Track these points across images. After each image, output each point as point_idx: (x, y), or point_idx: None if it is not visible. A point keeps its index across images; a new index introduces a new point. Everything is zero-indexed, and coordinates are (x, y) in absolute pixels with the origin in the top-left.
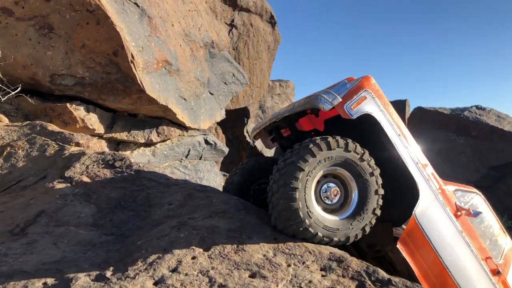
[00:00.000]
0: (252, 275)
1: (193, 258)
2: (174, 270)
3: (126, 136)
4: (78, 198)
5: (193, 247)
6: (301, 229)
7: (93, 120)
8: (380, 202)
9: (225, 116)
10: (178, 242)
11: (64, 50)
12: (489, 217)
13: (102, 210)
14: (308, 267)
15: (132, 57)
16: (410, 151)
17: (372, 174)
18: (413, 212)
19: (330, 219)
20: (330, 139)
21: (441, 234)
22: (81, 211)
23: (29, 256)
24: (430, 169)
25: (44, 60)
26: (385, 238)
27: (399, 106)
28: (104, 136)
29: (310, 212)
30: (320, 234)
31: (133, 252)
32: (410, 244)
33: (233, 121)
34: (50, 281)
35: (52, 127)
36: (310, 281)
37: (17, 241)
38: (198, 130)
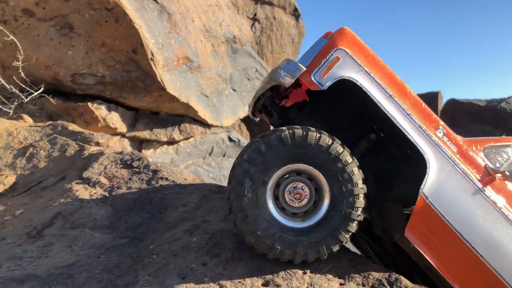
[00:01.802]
0: (265, 284)
1: (204, 264)
2: (184, 277)
3: (149, 134)
4: (95, 199)
5: (205, 252)
6: (253, 240)
7: (114, 119)
8: (360, 203)
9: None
10: (190, 247)
11: (85, 49)
12: None
13: (117, 212)
14: (326, 275)
15: (152, 54)
16: (410, 113)
17: (345, 169)
18: (420, 191)
19: (294, 227)
20: (285, 131)
21: (465, 212)
22: (97, 213)
23: (43, 259)
24: (442, 131)
25: (65, 60)
26: (397, 222)
27: (431, 98)
28: (126, 135)
29: (266, 220)
30: (278, 247)
31: (145, 257)
32: (422, 231)
33: None
34: (68, 281)
35: (73, 127)
36: None
37: (34, 243)
38: (221, 127)
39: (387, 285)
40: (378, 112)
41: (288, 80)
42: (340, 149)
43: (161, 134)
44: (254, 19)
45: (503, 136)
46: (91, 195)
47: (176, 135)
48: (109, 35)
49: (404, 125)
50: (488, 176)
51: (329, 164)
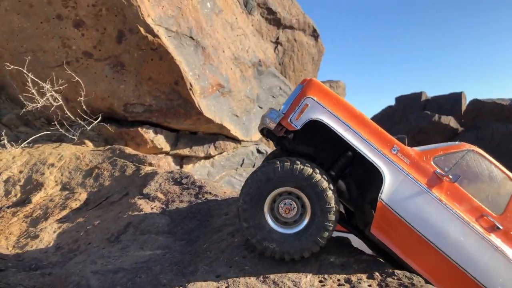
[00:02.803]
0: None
1: (244, 257)
2: (230, 267)
3: (189, 151)
4: (155, 211)
5: (244, 249)
6: (255, 241)
7: (160, 140)
8: (332, 217)
9: None
10: (233, 245)
11: (134, 83)
12: (487, 170)
13: (174, 221)
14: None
15: (190, 85)
16: (366, 138)
17: (321, 192)
18: (379, 197)
19: (284, 232)
20: (277, 164)
21: (417, 210)
22: (159, 222)
23: (125, 257)
24: (396, 148)
25: (118, 92)
26: (370, 220)
27: (454, 99)
28: (170, 153)
29: (263, 227)
30: (272, 247)
31: (200, 253)
32: (384, 228)
33: None
34: (143, 275)
35: (128, 150)
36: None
37: (114, 246)
38: (250, 141)
39: (374, 268)
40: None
41: (271, 125)
42: (318, 177)
43: (199, 150)
44: (277, 42)
45: (454, 143)
46: (152, 208)
47: (212, 150)
48: (154, 70)
49: (362, 149)
50: (436, 180)
51: (310, 188)
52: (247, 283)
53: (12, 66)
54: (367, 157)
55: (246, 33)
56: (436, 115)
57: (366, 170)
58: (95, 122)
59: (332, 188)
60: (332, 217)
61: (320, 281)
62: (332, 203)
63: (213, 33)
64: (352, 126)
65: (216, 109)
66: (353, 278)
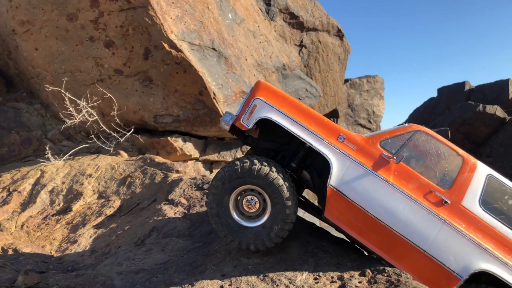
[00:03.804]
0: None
1: (248, 258)
2: (235, 266)
3: (217, 157)
4: (178, 216)
5: (249, 250)
6: (223, 235)
7: (189, 148)
8: (290, 211)
9: None
10: (239, 248)
11: (162, 95)
12: (435, 148)
13: (194, 224)
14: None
15: (214, 94)
16: (312, 130)
17: (278, 189)
18: (328, 183)
19: (248, 226)
20: (237, 165)
21: (365, 191)
22: (180, 225)
23: (147, 259)
24: (342, 136)
25: (148, 105)
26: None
27: (501, 86)
28: (199, 159)
29: (229, 223)
30: (237, 239)
31: (211, 255)
32: (336, 211)
33: None
34: (160, 275)
35: (158, 159)
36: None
37: (139, 249)
38: None
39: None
40: None
41: (226, 127)
42: (274, 175)
43: (227, 155)
44: (301, 45)
45: (402, 126)
46: (175, 213)
47: (239, 154)
48: (180, 83)
49: (308, 140)
50: (382, 162)
51: (268, 185)
52: (248, 281)
53: (51, 88)
54: (313, 147)
55: (269, 39)
56: (481, 105)
57: (324, 159)
58: (128, 133)
59: (288, 184)
60: (289, 210)
61: (315, 279)
62: (288, 198)
63: (235, 43)
64: (299, 120)
65: None
66: (346, 275)
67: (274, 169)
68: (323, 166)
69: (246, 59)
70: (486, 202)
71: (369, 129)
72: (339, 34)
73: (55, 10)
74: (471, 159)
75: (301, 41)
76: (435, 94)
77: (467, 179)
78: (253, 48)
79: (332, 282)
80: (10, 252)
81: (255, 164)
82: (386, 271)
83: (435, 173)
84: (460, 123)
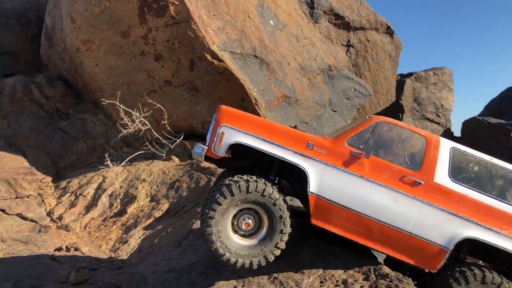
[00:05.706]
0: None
1: None
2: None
3: None
4: None
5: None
6: (212, 249)
7: None
8: (284, 238)
9: None
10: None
11: (208, 103)
12: (398, 135)
13: None
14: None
15: (256, 100)
16: (280, 144)
17: (274, 204)
18: (308, 191)
19: (241, 244)
20: (232, 185)
21: (344, 190)
22: None
23: (181, 259)
24: (311, 144)
25: (195, 112)
26: None
27: None
28: None
29: (222, 236)
30: (227, 255)
31: None
32: (321, 216)
33: None
34: (186, 275)
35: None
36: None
37: (176, 250)
38: None
39: (372, 270)
40: None
41: (200, 159)
42: (270, 190)
43: None
44: (348, 45)
45: (363, 120)
46: None
47: None
48: (223, 91)
49: (280, 154)
50: (354, 159)
51: (265, 202)
52: (259, 282)
53: (107, 101)
54: (286, 160)
55: (313, 41)
56: None
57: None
58: (178, 140)
59: (284, 198)
60: (287, 223)
61: (321, 282)
62: (286, 211)
63: (277, 48)
64: (266, 137)
65: (282, 119)
66: (350, 279)
67: (269, 185)
68: (300, 172)
69: (288, 64)
70: (455, 174)
71: (438, 123)
72: (389, 31)
73: (110, 29)
74: (433, 136)
75: (348, 41)
76: None
77: (433, 156)
78: (296, 52)
79: (336, 286)
80: (72, 250)
81: (252, 182)
82: (389, 276)
83: (404, 158)
84: None
